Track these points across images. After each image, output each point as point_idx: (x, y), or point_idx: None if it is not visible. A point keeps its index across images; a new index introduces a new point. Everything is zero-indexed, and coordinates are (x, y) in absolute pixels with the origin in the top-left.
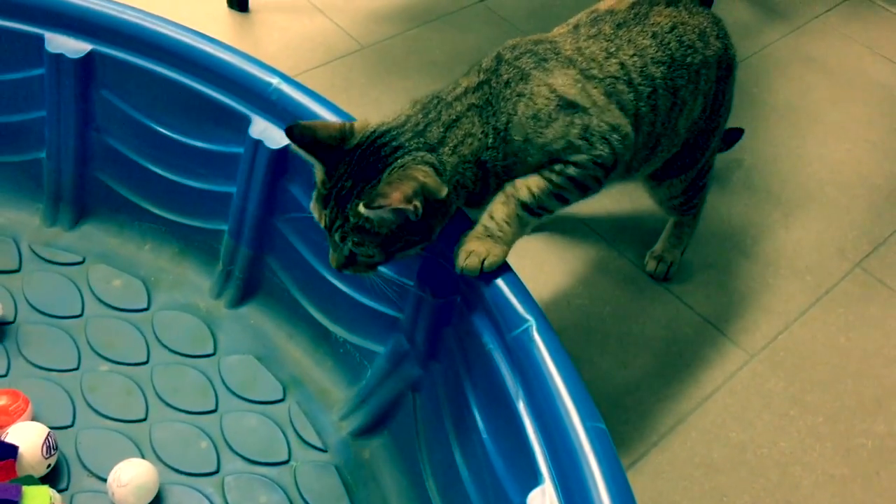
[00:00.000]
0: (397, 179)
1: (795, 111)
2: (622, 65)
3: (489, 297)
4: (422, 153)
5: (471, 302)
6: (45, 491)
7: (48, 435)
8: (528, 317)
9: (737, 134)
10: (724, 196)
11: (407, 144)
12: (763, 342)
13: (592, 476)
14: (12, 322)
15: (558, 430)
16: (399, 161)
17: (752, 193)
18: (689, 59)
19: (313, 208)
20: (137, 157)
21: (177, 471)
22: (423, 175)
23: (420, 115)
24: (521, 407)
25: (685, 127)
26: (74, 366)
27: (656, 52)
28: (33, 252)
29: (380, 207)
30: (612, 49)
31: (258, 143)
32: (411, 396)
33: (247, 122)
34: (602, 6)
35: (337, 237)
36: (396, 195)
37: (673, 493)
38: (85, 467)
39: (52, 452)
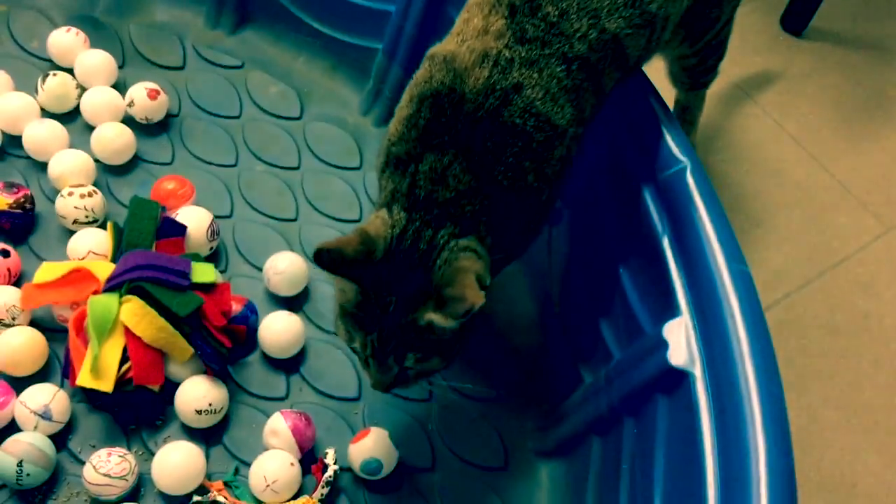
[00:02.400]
0: (458, 281)
1: None
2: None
3: (645, 135)
4: (454, 242)
5: (623, 138)
6: (211, 267)
7: (212, 221)
8: (682, 158)
9: None
10: (878, 64)
11: (438, 240)
12: None
13: (732, 314)
14: (176, 115)
15: (703, 268)
16: (439, 260)
17: None
18: None
19: (342, 333)
20: None
21: None
22: (471, 263)
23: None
24: (666, 244)
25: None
26: (233, 162)
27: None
28: (197, 52)
29: (466, 314)
30: (565, 46)
31: None
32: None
33: None
34: None
35: (391, 360)
36: (473, 296)
37: (791, 349)
38: (241, 254)
39: (215, 237)
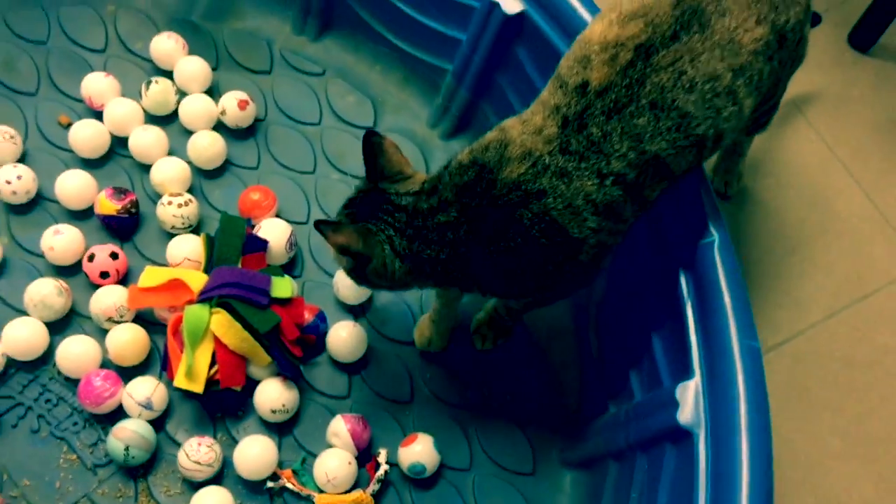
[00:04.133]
0: (351, 230)
1: None
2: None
3: (684, 200)
4: (388, 232)
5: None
6: (289, 282)
7: (290, 234)
8: (713, 231)
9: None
10: None
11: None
12: None
13: (738, 387)
14: (262, 120)
15: (718, 339)
16: (370, 224)
17: None
18: (710, 105)
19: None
20: None
21: None
22: (363, 239)
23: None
24: (689, 309)
25: (750, 109)
26: (311, 170)
27: (659, 122)
28: (283, 58)
29: (321, 234)
30: (601, 163)
31: (494, 6)
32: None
33: None
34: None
35: None
36: (338, 238)
37: (808, 379)
38: (315, 261)
39: (293, 248)
